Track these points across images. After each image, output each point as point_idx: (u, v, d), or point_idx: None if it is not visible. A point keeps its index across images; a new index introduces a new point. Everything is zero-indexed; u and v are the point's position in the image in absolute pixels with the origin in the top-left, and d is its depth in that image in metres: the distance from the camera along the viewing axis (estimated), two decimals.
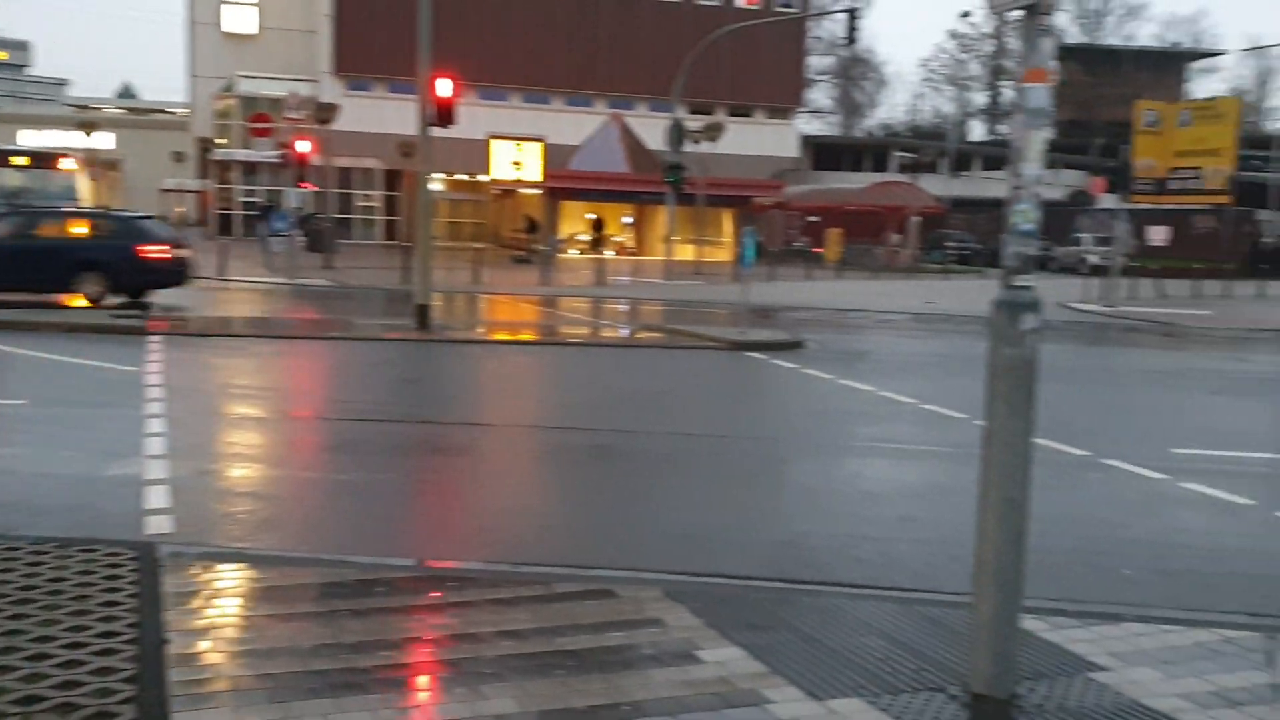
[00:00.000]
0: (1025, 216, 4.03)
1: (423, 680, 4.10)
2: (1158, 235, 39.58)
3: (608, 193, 48.14)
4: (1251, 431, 11.17)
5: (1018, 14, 3.96)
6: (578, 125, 51.30)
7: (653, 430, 9.69)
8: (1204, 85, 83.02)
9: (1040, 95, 3.95)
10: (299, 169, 27.33)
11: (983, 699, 4.09)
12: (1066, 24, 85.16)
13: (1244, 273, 39.74)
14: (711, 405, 11.84)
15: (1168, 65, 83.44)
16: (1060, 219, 50.77)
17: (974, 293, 28.07)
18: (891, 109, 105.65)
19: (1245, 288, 35.10)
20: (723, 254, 45.40)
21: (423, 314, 16.29)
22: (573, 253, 47.66)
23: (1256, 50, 78.52)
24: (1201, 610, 5.35)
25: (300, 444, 9.09)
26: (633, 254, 50.16)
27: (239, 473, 7.82)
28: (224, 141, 51.89)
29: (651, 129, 46.52)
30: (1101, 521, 7.09)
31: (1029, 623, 4.84)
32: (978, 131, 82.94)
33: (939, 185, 57.49)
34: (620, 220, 51.77)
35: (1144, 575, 6.02)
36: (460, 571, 5.46)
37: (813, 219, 51.15)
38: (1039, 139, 3.98)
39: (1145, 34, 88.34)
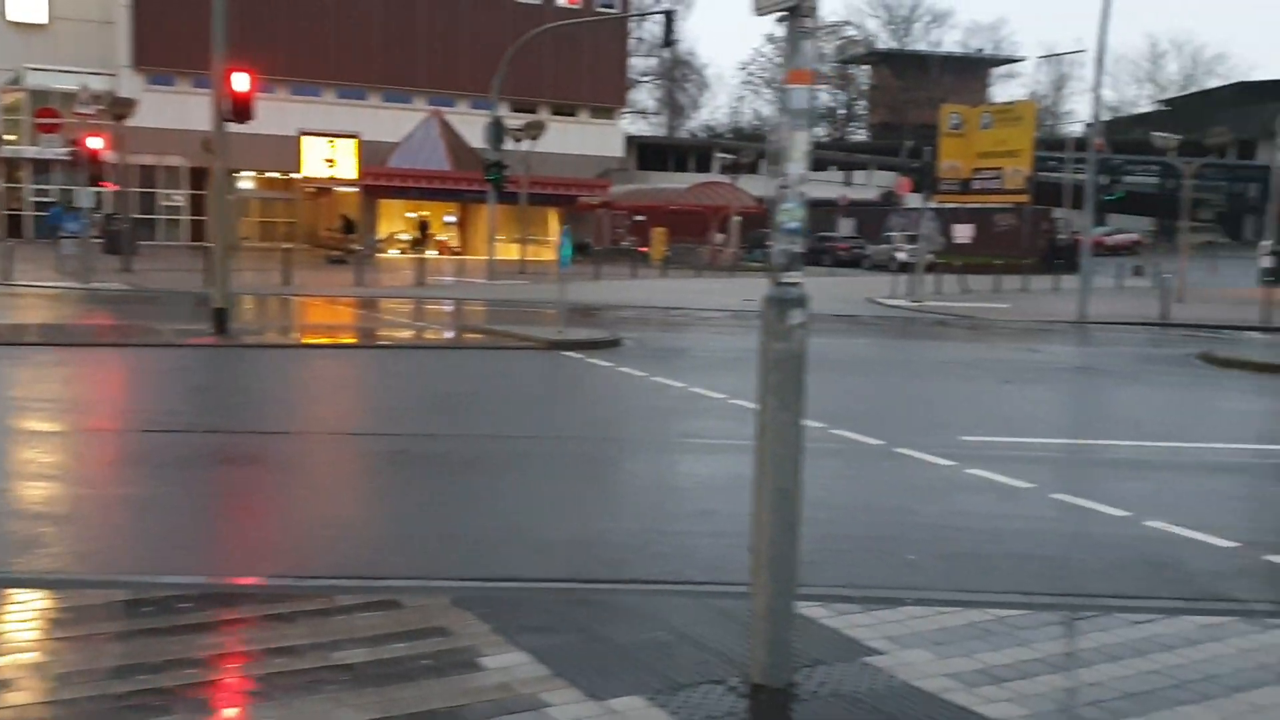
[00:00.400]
0: (791, 215, 4.10)
1: (182, 704, 3.88)
2: (962, 233, 41.50)
3: (429, 191, 47.44)
4: (1037, 417, 11.81)
5: (780, 15, 4.02)
6: (396, 122, 50.34)
7: (458, 433, 9.53)
8: (1005, 90, 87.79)
9: (803, 96, 4.02)
10: (92, 167, 25.82)
11: (760, 689, 4.14)
12: (878, 30, 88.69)
13: (1041, 268, 42.20)
14: (521, 406, 11.74)
15: (971, 71, 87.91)
16: (873, 218, 52.88)
17: None
18: (714, 110, 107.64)
19: (1042, 282, 37.24)
20: (549, 253, 45.32)
21: (220, 318, 15.60)
22: (393, 253, 46.73)
23: (1052, 57, 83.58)
24: (977, 591, 5.58)
25: (78, 458, 8.55)
26: (457, 253, 49.57)
27: (3, 491, 7.28)
28: (13, 138, 48.69)
29: (473, 126, 46.07)
30: (890, 508, 7.34)
31: (812, 610, 4.95)
32: None
33: (760, 186, 58.88)
34: (444, 219, 51.08)
35: (926, 559, 6.24)
36: (238, 588, 5.21)
37: (638, 218, 51.68)
38: (803, 139, 4.05)
39: (951, 41, 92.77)
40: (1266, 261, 29.46)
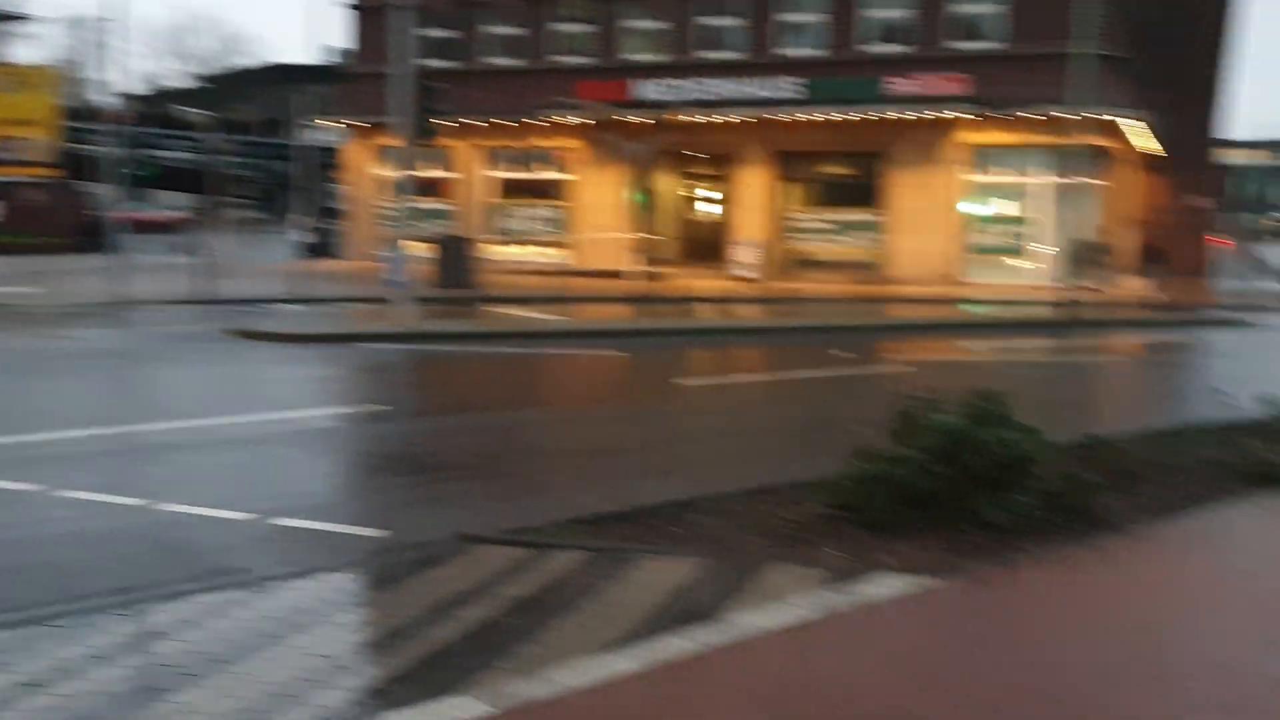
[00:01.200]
0: None
1: None
2: None
3: None
4: (55, 411, 10.97)
5: None
6: None
7: None
8: (25, 52, 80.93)
9: None
10: None
11: None
12: None
13: (77, 247, 40.02)
14: None
15: None
16: None
17: None
18: None
19: (79, 262, 35.28)
20: None
21: None
22: None
23: (78, 21, 79.17)
24: None
25: None
26: None
27: None
28: None
29: None
30: None
31: None
32: None
33: None
34: None
35: None
36: None
37: None
38: None
39: None
40: (306, 237, 31.71)
